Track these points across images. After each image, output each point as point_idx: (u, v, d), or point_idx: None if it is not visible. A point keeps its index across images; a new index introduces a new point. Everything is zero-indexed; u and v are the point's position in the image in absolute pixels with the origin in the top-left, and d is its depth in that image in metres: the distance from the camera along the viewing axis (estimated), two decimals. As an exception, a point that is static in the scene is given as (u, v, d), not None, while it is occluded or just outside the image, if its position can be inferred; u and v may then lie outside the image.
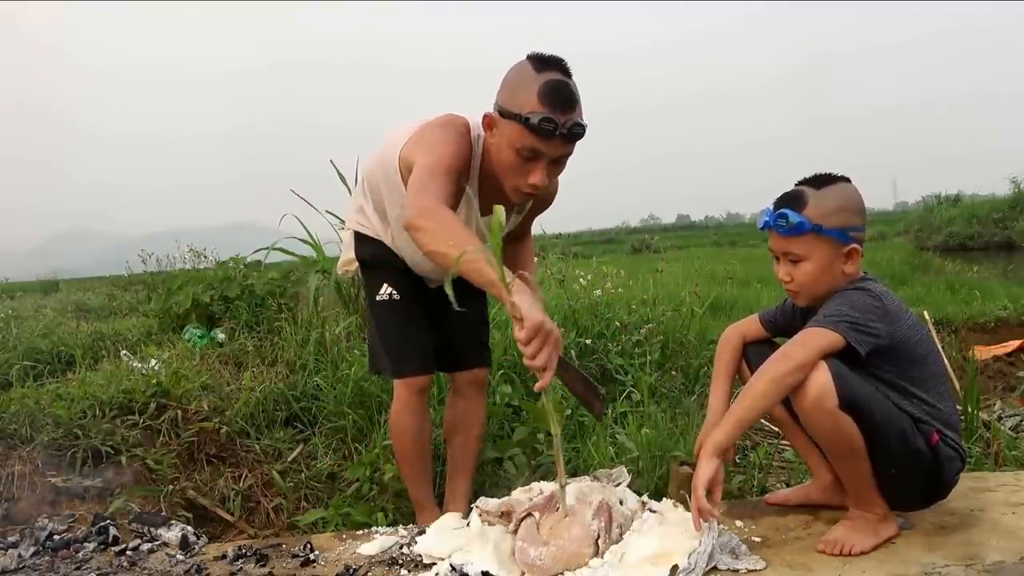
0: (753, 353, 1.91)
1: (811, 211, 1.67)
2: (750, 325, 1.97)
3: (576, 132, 1.66)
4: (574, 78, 1.70)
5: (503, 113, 1.68)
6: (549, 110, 1.62)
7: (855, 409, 1.58)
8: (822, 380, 1.56)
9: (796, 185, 1.74)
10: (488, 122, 1.74)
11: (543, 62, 1.67)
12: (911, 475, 1.67)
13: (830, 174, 1.72)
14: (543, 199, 2.03)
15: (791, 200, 1.70)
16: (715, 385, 1.92)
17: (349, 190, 4.25)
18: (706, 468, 1.59)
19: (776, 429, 3.32)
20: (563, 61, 1.69)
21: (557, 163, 1.72)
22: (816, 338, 1.59)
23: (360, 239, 2.10)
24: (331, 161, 4.34)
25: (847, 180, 1.72)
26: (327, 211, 4.34)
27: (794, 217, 1.66)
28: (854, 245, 1.69)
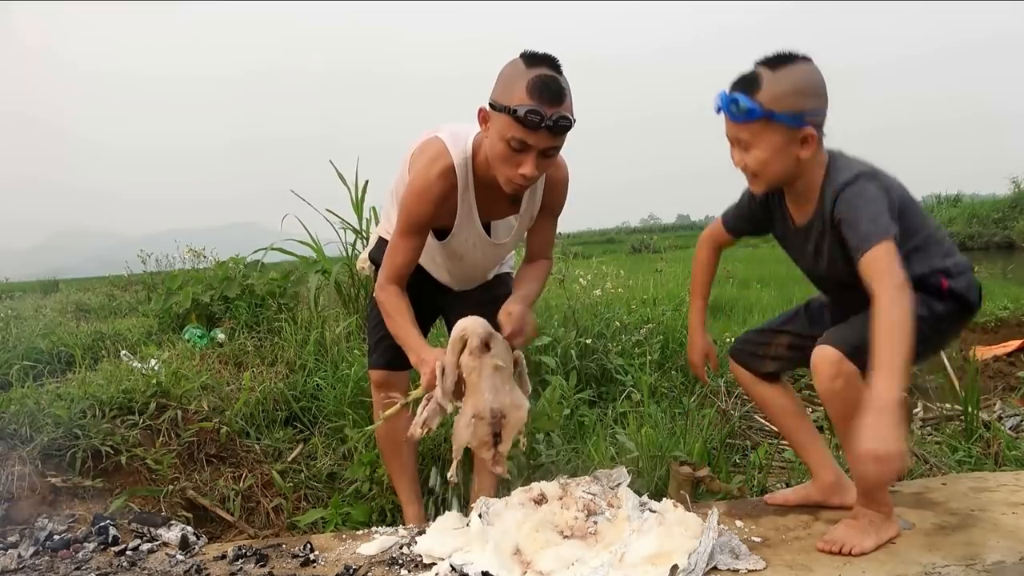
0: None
1: (764, 95, 1.61)
2: (718, 233, 2.02)
3: (562, 125, 1.71)
4: (564, 75, 1.74)
5: (495, 106, 1.74)
6: (536, 103, 1.67)
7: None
8: (834, 355, 1.63)
9: (755, 65, 1.67)
10: (483, 116, 1.80)
11: (534, 59, 1.73)
12: (947, 331, 1.77)
13: (790, 53, 1.65)
14: (552, 202, 2.05)
15: (745, 84, 1.64)
16: (694, 303, 2.03)
17: (349, 190, 4.25)
18: (896, 428, 1.42)
19: (775, 429, 3.32)
20: (554, 59, 1.74)
21: (547, 155, 1.76)
22: (889, 251, 1.55)
23: (380, 243, 2.19)
24: (331, 162, 4.35)
25: (807, 60, 1.65)
26: (327, 210, 4.34)
27: (745, 102, 1.62)
28: (809, 130, 1.63)
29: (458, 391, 1.77)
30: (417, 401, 1.83)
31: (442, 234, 2.01)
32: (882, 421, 1.42)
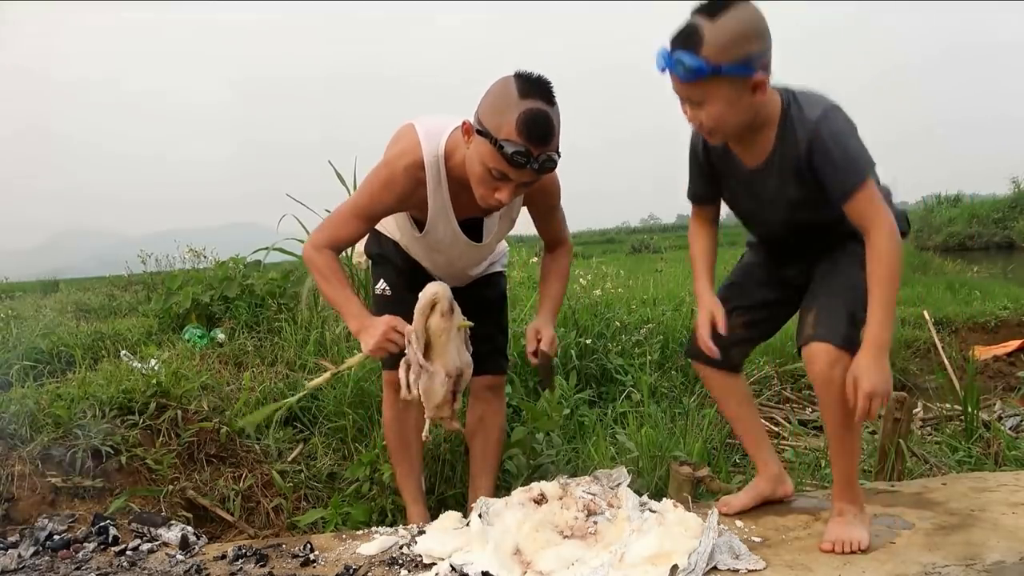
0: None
1: (708, 49, 1.51)
2: (695, 210, 1.94)
3: (547, 166, 1.69)
4: (556, 103, 1.69)
5: (481, 130, 1.69)
6: (524, 141, 1.63)
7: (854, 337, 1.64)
8: (830, 350, 1.63)
9: (691, 15, 1.56)
10: (466, 129, 1.75)
11: (528, 85, 1.67)
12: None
13: None
14: (542, 201, 2.03)
15: (685, 40, 1.54)
16: (697, 278, 1.90)
17: (348, 190, 4.25)
18: (883, 369, 1.56)
19: (774, 429, 3.32)
20: (548, 85, 1.68)
21: (525, 186, 1.76)
22: (874, 195, 1.57)
23: (374, 235, 2.18)
24: (329, 162, 4.35)
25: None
26: (326, 210, 4.34)
27: (691, 61, 1.52)
28: (759, 76, 1.56)
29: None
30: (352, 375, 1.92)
31: (420, 227, 2.00)
32: (879, 360, 1.56)
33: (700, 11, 1.55)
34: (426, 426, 1.89)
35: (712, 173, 1.84)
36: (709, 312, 1.80)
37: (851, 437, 1.72)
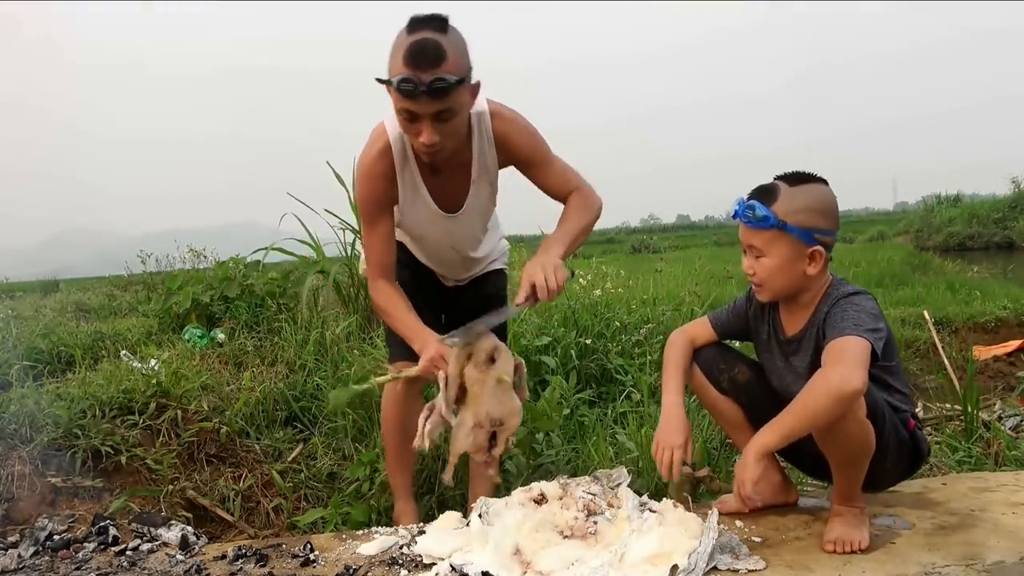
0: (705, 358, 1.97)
1: (779, 207, 1.69)
2: (699, 328, 1.99)
3: (437, 87, 1.64)
4: (451, 32, 1.68)
5: (382, 80, 1.71)
6: (411, 70, 1.64)
7: (872, 415, 1.62)
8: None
9: (774, 179, 1.75)
10: (389, 90, 1.75)
11: (415, 23, 1.68)
12: (901, 461, 1.77)
13: (809, 173, 1.74)
14: (518, 155, 1.96)
15: (763, 193, 1.73)
16: (669, 382, 1.91)
17: (347, 190, 4.26)
18: (755, 470, 1.60)
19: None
20: (440, 17, 1.68)
21: (441, 119, 1.71)
22: (862, 351, 1.57)
23: None
24: (328, 163, 4.36)
25: (824, 182, 1.73)
26: (326, 210, 4.35)
27: (761, 210, 1.69)
28: (818, 247, 1.70)
29: (458, 396, 1.78)
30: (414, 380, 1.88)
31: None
32: (752, 463, 1.60)
33: (783, 177, 1.74)
34: (448, 472, 1.80)
35: (747, 326, 1.94)
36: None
37: (862, 464, 1.69)
